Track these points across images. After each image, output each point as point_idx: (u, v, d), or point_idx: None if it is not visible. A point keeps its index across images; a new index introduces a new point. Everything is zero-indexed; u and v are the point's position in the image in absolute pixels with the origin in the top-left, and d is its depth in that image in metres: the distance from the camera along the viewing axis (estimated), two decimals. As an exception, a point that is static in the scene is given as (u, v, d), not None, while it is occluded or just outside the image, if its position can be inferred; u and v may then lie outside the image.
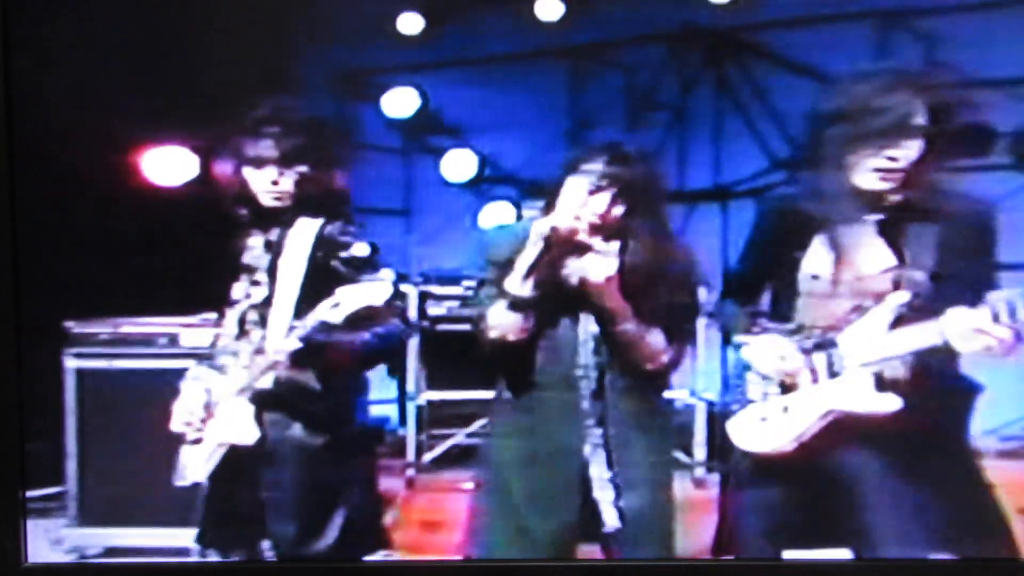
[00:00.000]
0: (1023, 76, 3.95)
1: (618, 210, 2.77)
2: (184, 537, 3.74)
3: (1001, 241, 2.81)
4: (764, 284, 2.95)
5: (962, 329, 2.55)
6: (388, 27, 4.71)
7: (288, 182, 3.06)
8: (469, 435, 4.27)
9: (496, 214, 4.59)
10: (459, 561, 3.29)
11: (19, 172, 3.34)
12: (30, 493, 3.78)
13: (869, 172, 2.69)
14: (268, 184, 3.07)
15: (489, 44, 4.70)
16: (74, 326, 4.02)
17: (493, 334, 2.82)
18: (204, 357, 3.23)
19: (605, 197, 2.75)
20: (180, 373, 3.85)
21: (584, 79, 4.75)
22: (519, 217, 4.48)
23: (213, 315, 3.93)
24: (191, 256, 4.08)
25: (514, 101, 4.64)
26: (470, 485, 4.21)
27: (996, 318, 2.53)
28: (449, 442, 4.33)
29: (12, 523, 3.40)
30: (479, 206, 4.63)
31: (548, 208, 2.80)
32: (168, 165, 4.27)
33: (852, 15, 4.21)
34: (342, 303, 2.88)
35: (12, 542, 3.40)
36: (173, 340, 4.00)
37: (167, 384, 3.85)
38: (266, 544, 3.09)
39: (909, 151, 2.68)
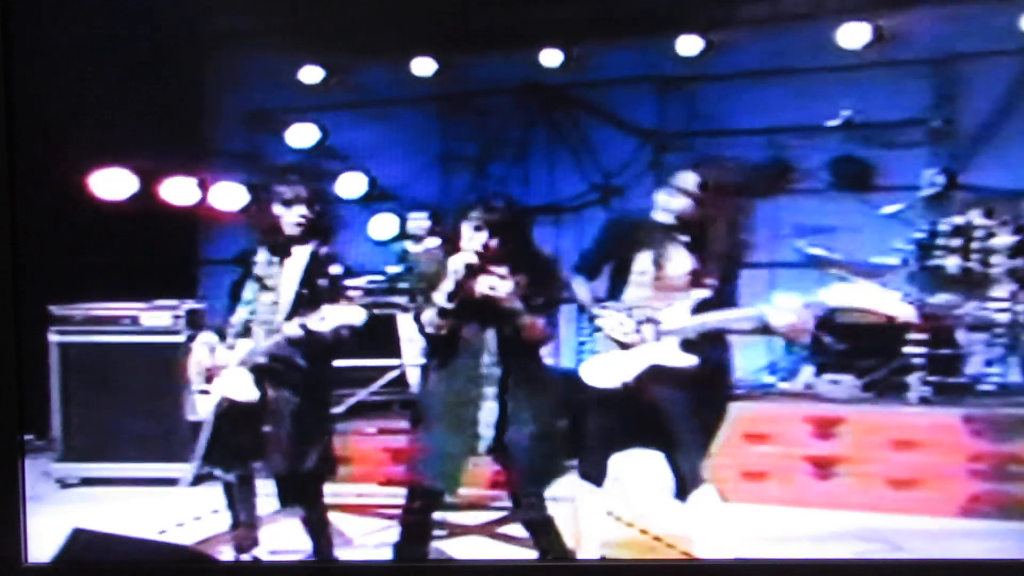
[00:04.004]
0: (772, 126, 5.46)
1: (497, 242, 3.75)
2: (144, 470, 4.89)
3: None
4: (603, 268, 3.91)
5: (784, 310, 3.63)
6: (293, 77, 5.80)
7: (310, 215, 3.90)
8: (371, 393, 5.18)
9: (382, 224, 5.74)
10: (462, 561, 3.87)
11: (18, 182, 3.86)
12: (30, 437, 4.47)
13: (661, 211, 3.84)
14: (297, 217, 3.89)
15: (376, 91, 5.85)
16: (57, 309, 4.96)
17: (428, 330, 3.82)
18: (216, 331, 4.02)
19: (485, 235, 3.74)
20: (141, 346, 4.94)
21: (449, 120, 5.95)
22: (402, 226, 5.64)
23: (169, 302, 5.04)
24: (151, 255, 5.13)
25: (396, 135, 5.79)
26: (372, 430, 5.22)
27: (807, 307, 3.65)
28: (354, 399, 5.14)
29: (12, 518, 3.60)
30: (368, 217, 5.75)
31: (448, 244, 3.85)
32: (117, 184, 5.24)
33: (640, 79, 5.65)
34: (327, 318, 3.71)
35: (12, 541, 3.57)
36: (134, 320, 5.00)
37: (131, 353, 4.95)
38: (258, 465, 3.94)
39: (682, 199, 3.77)
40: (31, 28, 3.84)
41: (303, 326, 3.76)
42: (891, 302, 3.64)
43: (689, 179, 3.81)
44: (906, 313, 3.72)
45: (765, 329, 3.76)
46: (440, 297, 3.75)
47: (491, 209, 3.80)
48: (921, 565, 3.84)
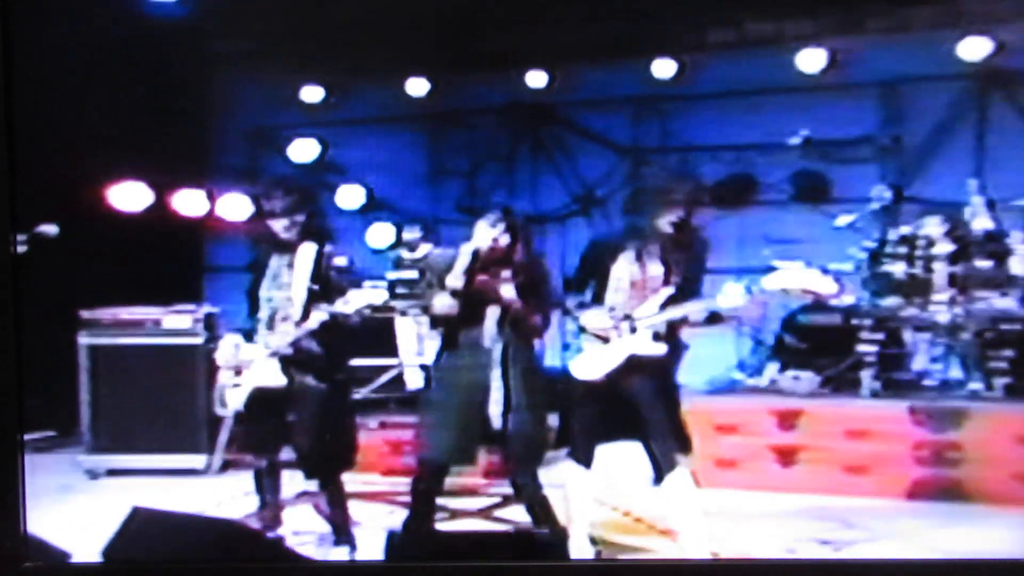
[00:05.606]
0: (732, 143, 5.93)
1: (506, 240, 4.22)
2: (166, 461, 5.23)
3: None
4: (589, 282, 4.35)
5: (730, 295, 4.07)
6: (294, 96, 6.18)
7: (294, 223, 4.28)
8: (372, 391, 5.50)
9: (379, 233, 6.13)
10: (465, 562, 3.90)
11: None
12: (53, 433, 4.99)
13: (665, 222, 4.24)
14: (290, 224, 4.29)
15: (373, 109, 6.24)
16: (85, 314, 5.29)
17: (439, 311, 4.23)
18: (239, 330, 4.41)
19: (500, 230, 4.21)
20: (163, 347, 5.30)
21: (441, 136, 6.36)
22: (398, 235, 6.03)
23: (188, 306, 5.40)
24: (171, 262, 5.53)
25: (392, 151, 6.17)
26: (374, 425, 5.56)
27: (749, 290, 4.08)
28: (356, 396, 5.29)
29: (12, 518, 3.57)
30: (366, 226, 6.13)
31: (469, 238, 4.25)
32: (133, 197, 5.65)
33: (617, 100, 6.09)
34: (351, 301, 4.10)
35: (13, 542, 3.55)
36: (157, 323, 5.34)
37: (153, 353, 5.31)
38: (285, 450, 4.27)
39: (681, 212, 4.22)
40: (42, 52, 3.99)
41: (330, 312, 4.12)
42: (817, 279, 4.10)
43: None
44: (830, 286, 4.20)
45: (718, 316, 4.22)
46: (452, 279, 4.16)
47: (510, 212, 4.29)
48: (921, 565, 3.98)
